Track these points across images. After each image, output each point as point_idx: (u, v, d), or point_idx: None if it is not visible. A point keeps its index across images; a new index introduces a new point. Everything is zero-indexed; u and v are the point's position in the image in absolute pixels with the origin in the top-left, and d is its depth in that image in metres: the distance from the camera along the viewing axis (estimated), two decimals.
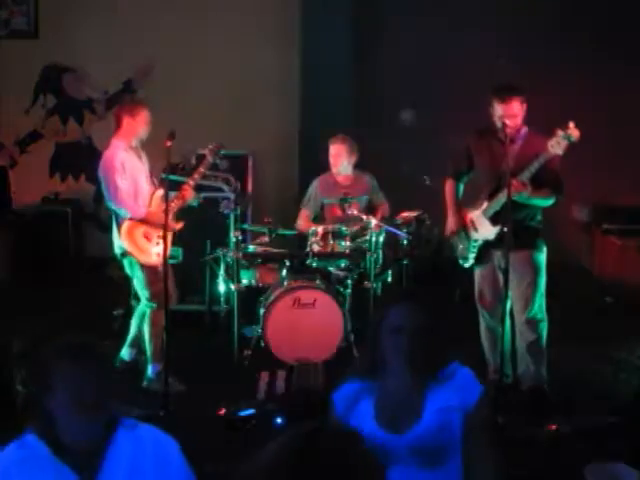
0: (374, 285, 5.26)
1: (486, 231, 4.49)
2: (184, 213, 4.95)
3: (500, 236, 4.34)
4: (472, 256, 4.60)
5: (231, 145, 6.89)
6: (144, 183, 4.84)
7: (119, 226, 4.76)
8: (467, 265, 4.68)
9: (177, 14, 7.22)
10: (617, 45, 6.89)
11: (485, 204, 4.48)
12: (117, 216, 4.80)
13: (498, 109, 4.33)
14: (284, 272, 5.42)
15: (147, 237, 4.75)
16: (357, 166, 5.88)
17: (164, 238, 4.34)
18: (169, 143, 4.39)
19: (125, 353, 5.10)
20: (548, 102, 6.33)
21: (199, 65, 7.26)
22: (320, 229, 5.33)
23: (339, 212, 5.61)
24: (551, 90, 6.61)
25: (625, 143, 6.97)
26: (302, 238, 5.56)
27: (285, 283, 5.32)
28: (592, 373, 4.97)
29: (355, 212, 5.41)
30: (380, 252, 5.38)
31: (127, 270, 4.90)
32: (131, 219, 4.74)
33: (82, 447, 2.14)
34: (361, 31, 7.03)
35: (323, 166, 5.91)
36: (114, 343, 5.28)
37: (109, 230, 5.02)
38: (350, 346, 5.24)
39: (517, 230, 4.26)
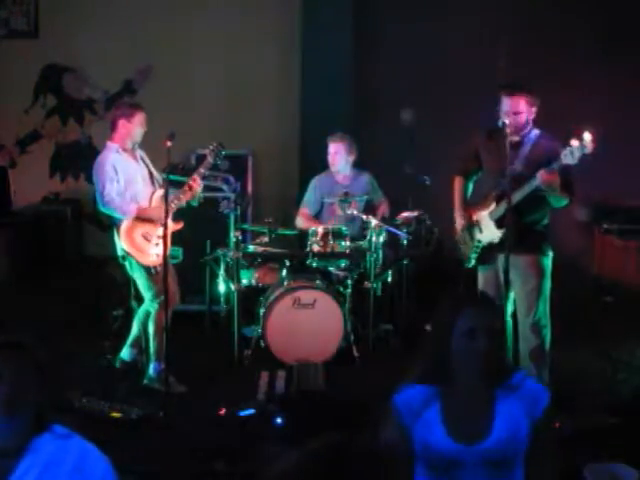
0: (374, 285, 5.26)
1: (491, 233, 4.45)
2: (184, 213, 4.95)
3: (504, 239, 4.29)
4: (474, 257, 4.58)
5: (231, 145, 6.91)
6: (140, 184, 4.82)
7: (117, 228, 4.77)
8: (469, 265, 4.64)
9: (177, 14, 7.22)
10: (617, 44, 6.89)
11: (493, 206, 4.44)
12: (113, 218, 4.81)
13: (504, 104, 4.29)
14: (284, 272, 5.42)
15: (146, 238, 4.75)
16: (357, 166, 5.88)
17: (164, 238, 4.33)
18: (169, 143, 4.39)
19: (125, 353, 5.10)
20: (548, 102, 6.33)
21: (199, 65, 7.26)
22: (320, 229, 5.33)
23: (339, 211, 5.61)
24: (551, 90, 6.60)
25: (625, 143, 6.96)
26: (302, 238, 5.56)
27: (285, 283, 5.32)
28: (592, 373, 4.96)
29: (355, 212, 5.41)
30: (380, 252, 5.38)
31: (128, 272, 4.90)
32: (129, 220, 4.74)
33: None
34: (361, 31, 7.03)
35: (323, 166, 5.91)
36: (114, 343, 5.29)
37: (109, 230, 5.02)
38: (350, 346, 5.24)
39: (523, 234, 4.23)
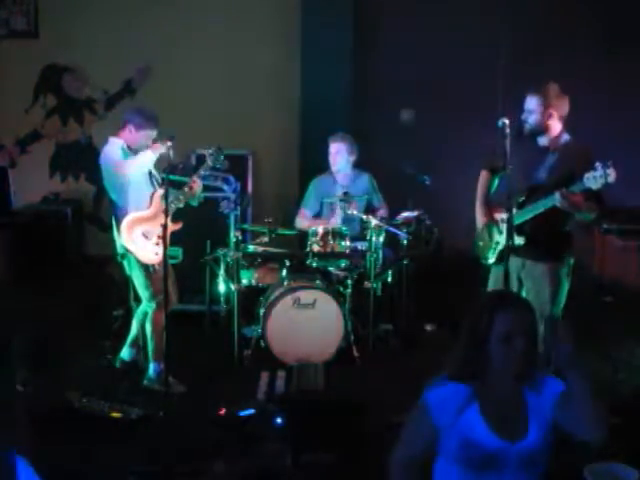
0: (374, 285, 5.26)
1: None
2: (184, 213, 4.95)
3: (523, 246, 4.24)
4: (492, 255, 4.50)
5: (231, 145, 6.91)
6: (141, 183, 4.84)
7: (118, 223, 4.77)
8: (485, 262, 4.55)
9: (177, 14, 7.22)
10: (619, 45, 6.89)
11: (514, 210, 4.36)
12: (116, 214, 4.81)
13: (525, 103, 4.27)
14: (284, 272, 5.43)
15: (146, 236, 4.76)
16: (356, 166, 5.89)
17: (164, 238, 4.33)
18: (169, 143, 4.39)
19: (125, 353, 5.10)
20: None
21: (199, 65, 7.26)
22: (320, 229, 5.33)
23: (339, 211, 5.61)
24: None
25: (626, 143, 6.96)
26: (302, 238, 5.56)
27: (285, 283, 5.32)
28: (592, 373, 4.95)
29: (355, 212, 5.41)
30: (380, 252, 5.38)
31: (127, 271, 4.91)
32: (130, 217, 4.74)
33: None
34: (361, 31, 7.03)
35: (323, 166, 5.91)
36: (114, 343, 5.29)
37: (109, 230, 5.02)
38: (350, 346, 5.24)
39: (543, 241, 4.19)
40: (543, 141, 4.29)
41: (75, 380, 4.73)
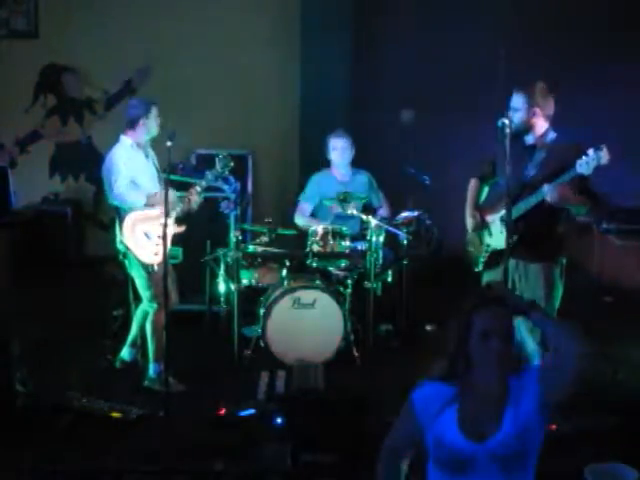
0: (374, 285, 5.26)
1: (500, 238, 4.40)
2: (184, 213, 4.96)
3: (514, 245, 4.25)
4: (482, 261, 4.53)
5: (231, 145, 6.91)
6: (147, 182, 4.86)
7: (121, 222, 4.77)
8: (477, 269, 4.60)
9: (177, 14, 7.22)
10: (618, 45, 6.89)
11: (504, 210, 4.37)
12: (119, 212, 4.81)
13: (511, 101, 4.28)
14: (284, 272, 5.42)
15: (147, 235, 4.76)
16: (356, 165, 5.89)
17: (164, 238, 4.33)
18: (169, 143, 4.39)
19: (125, 353, 5.10)
20: None
21: (199, 65, 7.25)
22: (320, 229, 5.33)
23: (338, 210, 5.60)
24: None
25: (626, 143, 6.96)
26: (302, 238, 5.56)
27: (285, 283, 5.32)
28: (592, 373, 4.95)
29: (354, 211, 5.41)
30: (380, 252, 5.38)
31: (128, 270, 4.91)
32: (132, 216, 4.74)
33: None
34: (361, 32, 7.03)
35: (323, 166, 5.91)
36: (114, 343, 5.29)
37: (109, 230, 5.03)
38: (350, 346, 5.24)
39: (536, 241, 4.19)
40: (529, 139, 4.30)
41: (75, 380, 4.73)
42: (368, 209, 5.72)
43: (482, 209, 4.57)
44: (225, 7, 7.23)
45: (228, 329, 5.35)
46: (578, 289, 6.55)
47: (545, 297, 4.28)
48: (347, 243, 5.30)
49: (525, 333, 2.96)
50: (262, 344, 5.19)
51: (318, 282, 5.33)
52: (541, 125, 4.30)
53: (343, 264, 5.37)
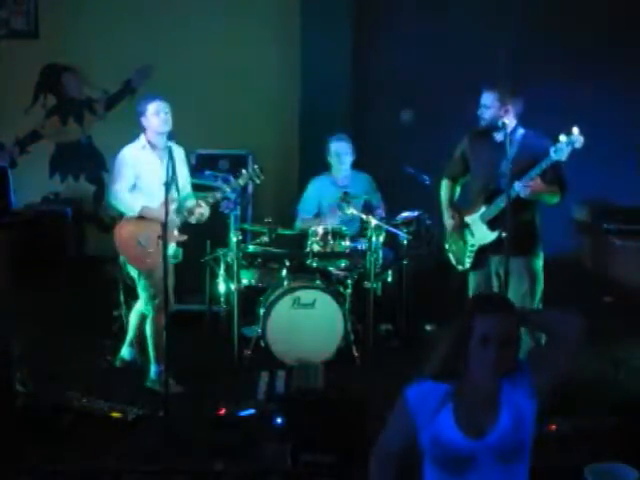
0: (374, 285, 5.26)
1: (483, 236, 4.44)
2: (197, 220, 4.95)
3: (498, 241, 4.29)
4: (468, 261, 4.57)
5: (231, 145, 6.91)
6: (151, 186, 4.66)
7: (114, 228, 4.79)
8: (462, 269, 4.64)
9: (177, 14, 7.22)
10: (618, 45, 6.89)
11: (483, 208, 4.44)
12: (119, 213, 4.81)
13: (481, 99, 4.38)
14: (284, 272, 5.42)
15: (140, 243, 4.70)
16: (356, 166, 5.88)
17: (163, 239, 4.30)
18: (169, 143, 4.38)
19: (125, 352, 5.10)
20: (549, 102, 6.33)
21: (199, 65, 7.26)
22: (320, 229, 5.33)
23: (338, 212, 5.60)
24: (551, 89, 6.61)
25: (626, 143, 6.96)
26: (302, 238, 5.56)
27: (285, 283, 5.32)
28: (592, 373, 4.96)
29: (354, 212, 5.41)
30: (380, 252, 5.38)
31: (126, 270, 4.91)
32: (127, 224, 4.72)
33: None
34: (361, 31, 7.03)
35: (323, 166, 5.91)
36: (114, 343, 5.29)
37: (109, 230, 5.02)
38: (350, 346, 5.24)
39: (515, 235, 4.22)
40: (499, 137, 4.34)
41: (75, 380, 4.73)
42: (368, 209, 5.71)
43: (460, 211, 4.60)
44: (225, 7, 7.23)
45: (228, 329, 5.34)
46: (578, 289, 6.57)
47: (529, 291, 4.41)
48: (347, 243, 5.30)
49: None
50: (262, 344, 5.18)
51: (318, 282, 5.33)
52: (510, 123, 4.35)
53: (343, 264, 5.37)
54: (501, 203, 4.24)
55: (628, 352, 5.27)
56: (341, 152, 5.69)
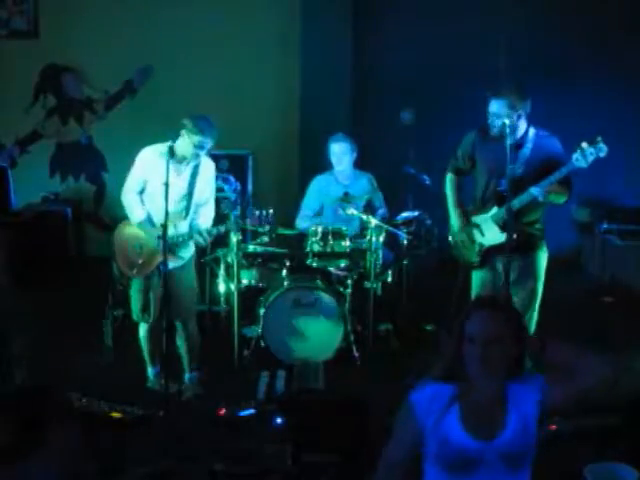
0: (374, 285, 5.26)
1: (494, 236, 4.41)
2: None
3: (508, 242, 4.28)
4: (477, 260, 4.56)
5: (231, 145, 6.91)
6: (158, 195, 4.36)
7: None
8: (473, 264, 4.61)
9: (177, 14, 7.22)
10: (618, 44, 6.89)
11: (494, 209, 4.41)
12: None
13: (489, 106, 4.32)
14: (284, 272, 5.42)
15: (137, 250, 4.61)
16: (357, 166, 5.88)
17: (164, 238, 4.28)
18: (171, 143, 4.37)
19: (150, 373, 4.95)
20: (549, 102, 6.33)
21: (199, 65, 7.26)
22: (320, 229, 5.32)
23: (339, 211, 5.60)
24: (551, 89, 6.61)
25: (626, 143, 6.96)
26: (302, 238, 5.56)
27: (285, 283, 5.32)
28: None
29: (355, 212, 5.41)
30: (380, 252, 5.38)
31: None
32: (129, 228, 4.66)
33: None
34: (361, 31, 7.03)
35: (323, 166, 5.91)
36: (114, 343, 5.29)
37: (110, 230, 5.02)
38: (350, 346, 5.24)
39: (522, 235, 4.25)
40: (510, 140, 4.32)
41: (75, 380, 4.73)
42: (369, 209, 5.71)
43: (468, 210, 4.59)
44: (225, 7, 7.24)
45: (228, 329, 5.34)
46: (578, 289, 6.58)
47: (534, 290, 4.43)
48: (347, 243, 5.30)
49: None
50: (262, 344, 5.18)
51: (318, 282, 5.33)
52: (522, 125, 4.35)
53: (343, 264, 5.36)
54: (516, 205, 4.23)
55: (628, 352, 5.26)
56: (340, 152, 5.68)
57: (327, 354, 5.14)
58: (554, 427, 4.04)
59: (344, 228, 5.35)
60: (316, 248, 5.28)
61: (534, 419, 2.39)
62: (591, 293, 6.56)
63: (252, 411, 4.34)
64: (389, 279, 5.59)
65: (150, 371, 4.85)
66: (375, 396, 4.21)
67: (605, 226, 7.03)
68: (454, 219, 4.65)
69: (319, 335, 5.17)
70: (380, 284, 5.48)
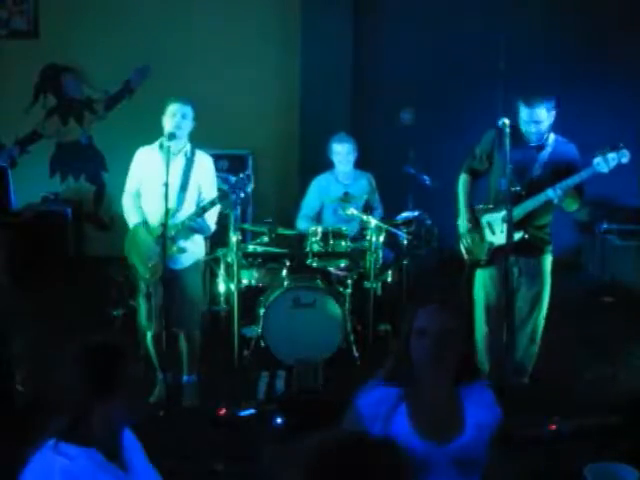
0: (374, 285, 5.26)
1: (504, 236, 4.40)
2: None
3: (518, 242, 4.27)
4: (486, 259, 4.55)
5: (231, 145, 6.92)
6: (153, 191, 4.39)
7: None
8: (482, 261, 4.60)
9: (177, 14, 7.23)
10: (617, 45, 6.89)
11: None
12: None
13: (524, 113, 4.27)
14: (284, 272, 5.42)
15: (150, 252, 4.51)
16: (357, 166, 5.88)
17: (164, 239, 4.27)
18: (169, 143, 4.37)
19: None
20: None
21: (199, 65, 7.27)
22: (320, 229, 5.32)
23: (339, 211, 5.60)
24: (551, 89, 6.60)
25: (625, 143, 6.96)
26: (302, 238, 5.56)
27: (285, 283, 5.32)
28: (592, 373, 4.97)
29: (355, 211, 5.41)
30: (380, 252, 5.38)
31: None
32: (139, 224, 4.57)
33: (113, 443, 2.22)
34: (361, 32, 7.04)
35: (323, 166, 5.91)
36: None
37: (110, 230, 5.02)
38: (350, 346, 5.24)
39: (532, 237, 4.28)
40: (532, 141, 4.33)
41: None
42: (367, 209, 5.71)
43: (480, 209, 4.58)
44: (225, 7, 7.24)
45: (228, 329, 5.34)
46: (578, 289, 6.58)
47: (541, 291, 4.45)
48: (347, 243, 5.30)
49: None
50: (262, 344, 5.18)
51: (318, 282, 5.33)
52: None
53: (343, 264, 5.36)
54: (530, 205, 4.23)
55: (628, 352, 5.27)
56: (344, 152, 5.67)
57: (327, 354, 5.14)
58: (554, 427, 4.04)
59: (344, 228, 5.34)
60: (316, 248, 5.28)
61: (489, 431, 2.38)
62: (591, 293, 6.57)
63: (252, 411, 4.34)
64: (389, 279, 5.59)
65: (159, 377, 4.67)
66: None
67: (605, 226, 7.03)
68: (463, 219, 4.62)
69: (319, 335, 5.16)
70: (380, 284, 5.48)
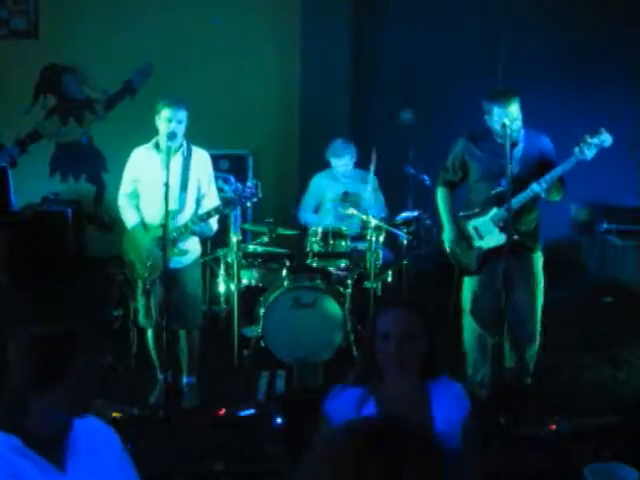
0: (374, 285, 5.26)
1: (494, 238, 4.38)
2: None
3: (507, 243, 4.25)
4: (475, 265, 4.51)
5: (231, 145, 6.92)
6: (150, 191, 4.40)
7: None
8: (472, 269, 4.58)
9: (177, 14, 7.23)
10: (617, 44, 6.89)
11: (494, 210, 4.36)
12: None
13: (498, 113, 4.20)
14: (284, 272, 5.42)
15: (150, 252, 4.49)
16: (357, 166, 5.88)
17: (164, 239, 4.27)
18: (169, 143, 4.36)
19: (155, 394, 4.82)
20: (548, 102, 6.34)
21: (199, 65, 7.26)
22: (320, 229, 5.32)
23: (339, 209, 5.60)
24: (551, 89, 6.61)
25: (626, 143, 6.96)
26: (302, 238, 5.56)
27: (285, 283, 5.32)
28: (592, 373, 4.97)
29: (355, 212, 5.40)
30: (380, 252, 5.38)
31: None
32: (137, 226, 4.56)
33: (50, 436, 2.14)
34: (361, 32, 7.04)
35: (323, 166, 5.91)
36: (114, 343, 5.29)
37: (111, 230, 5.01)
38: (350, 346, 5.24)
39: (521, 236, 4.25)
40: (501, 138, 4.29)
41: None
42: (368, 209, 5.71)
43: (464, 217, 4.52)
44: (225, 7, 7.24)
45: (228, 329, 5.34)
46: (578, 289, 6.58)
47: (536, 291, 4.42)
48: (347, 243, 5.30)
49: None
50: (262, 344, 5.18)
51: (318, 282, 5.33)
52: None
53: (343, 264, 5.36)
54: (516, 203, 4.20)
55: (628, 352, 5.27)
56: (339, 165, 5.66)
57: (327, 354, 5.14)
58: (554, 427, 4.05)
59: (344, 228, 5.34)
60: (316, 248, 5.28)
61: (459, 423, 2.40)
62: (591, 293, 6.57)
63: (252, 411, 4.34)
64: (389, 279, 5.59)
65: (159, 377, 4.68)
66: None
67: (605, 226, 7.03)
68: (449, 231, 4.57)
69: (319, 335, 5.16)
70: (380, 284, 5.48)
